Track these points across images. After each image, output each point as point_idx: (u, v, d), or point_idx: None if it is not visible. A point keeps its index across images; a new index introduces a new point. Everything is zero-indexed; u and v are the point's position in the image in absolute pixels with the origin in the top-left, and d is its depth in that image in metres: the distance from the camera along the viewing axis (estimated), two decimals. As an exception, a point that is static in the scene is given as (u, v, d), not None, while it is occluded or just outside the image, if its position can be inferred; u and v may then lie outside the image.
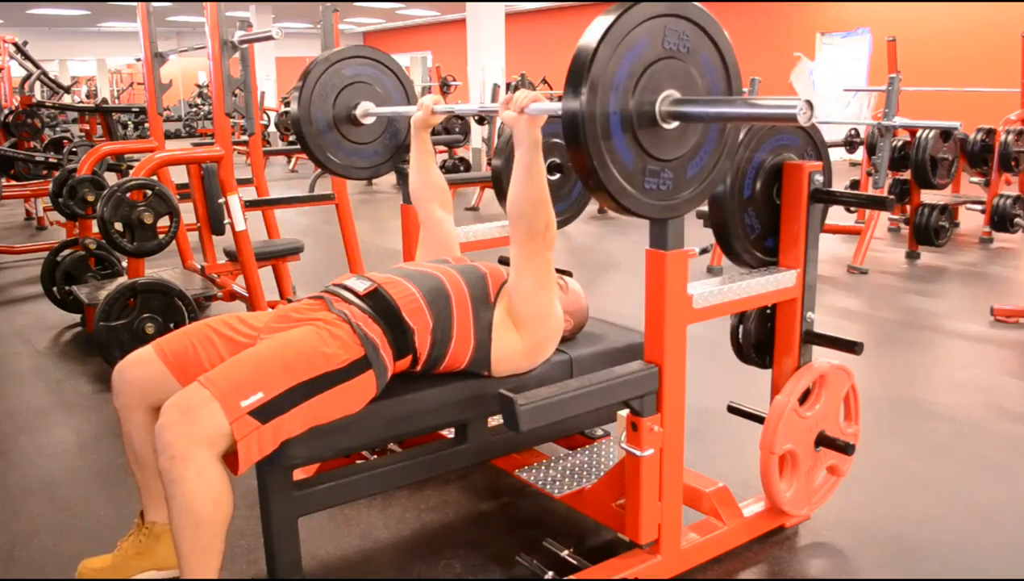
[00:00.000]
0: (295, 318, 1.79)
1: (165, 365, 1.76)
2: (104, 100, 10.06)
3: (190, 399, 1.55)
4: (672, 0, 1.48)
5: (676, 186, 1.57)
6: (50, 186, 4.65)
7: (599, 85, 1.41)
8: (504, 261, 2.53)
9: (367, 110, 2.48)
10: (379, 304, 1.79)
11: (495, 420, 2.02)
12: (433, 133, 2.38)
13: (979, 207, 6.10)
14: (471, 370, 1.90)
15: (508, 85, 11.08)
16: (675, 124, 1.52)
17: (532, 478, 2.09)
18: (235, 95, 3.59)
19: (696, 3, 1.52)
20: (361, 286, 1.84)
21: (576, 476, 2.10)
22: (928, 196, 5.64)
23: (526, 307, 1.88)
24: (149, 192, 3.47)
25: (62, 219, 5.19)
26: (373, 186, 10.14)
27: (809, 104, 1.31)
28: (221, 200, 3.61)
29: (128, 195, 3.43)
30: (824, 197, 1.98)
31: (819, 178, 1.97)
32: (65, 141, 6.67)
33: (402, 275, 1.89)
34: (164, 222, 3.54)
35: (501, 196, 2.61)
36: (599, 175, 1.44)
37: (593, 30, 1.42)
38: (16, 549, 2.15)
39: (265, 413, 1.57)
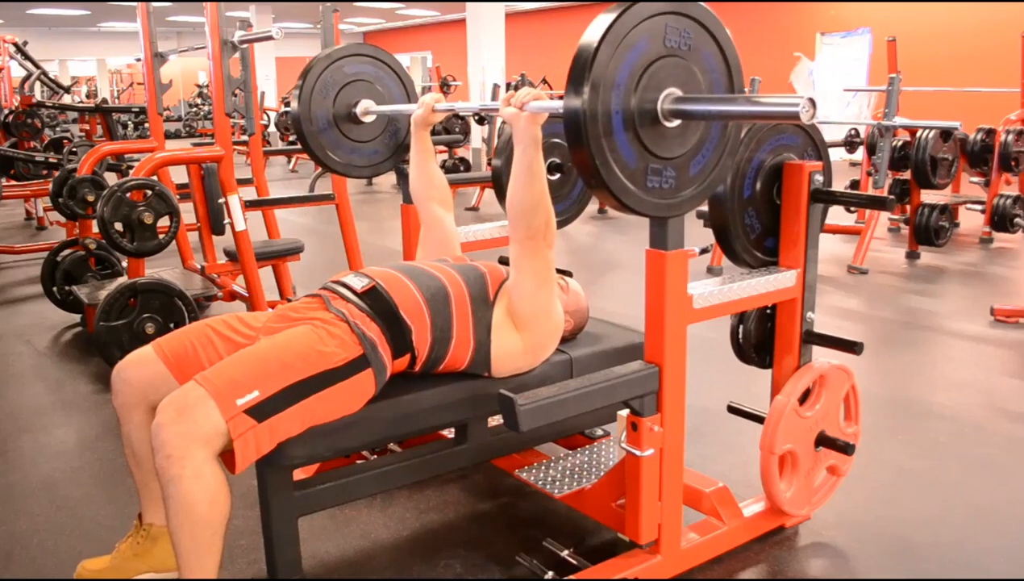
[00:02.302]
0: (293, 317, 1.79)
1: (164, 365, 1.76)
2: (104, 100, 10.05)
3: (186, 397, 1.55)
4: None
5: (679, 184, 1.57)
6: (50, 186, 4.65)
7: (600, 84, 1.41)
8: (504, 261, 2.53)
9: (367, 108, 2.47)
10: (377, 303, 1.79)
11: (495, 420, 2.02)
12: (433, 133, 2.38)
13: (979, 207, 6.10)
14: (471, 371, 1.90)
15: (508, 85, 11.08)
16: (677, 122, 1.52)
17: (532, 478, 2.09)
18: (235, 95, 3.59)
19: (697, 1, 1.52)
20: (359, 284, 1.83)
21: (576, 476, 2.10)
22: (928, 196, 5.64)
23: (526, 306, 1.88)
24: (149, 192, 3.47)
25: (62, 219, 5.19)
26: (373, 186, 10.15)
27: (812, 102, 1.30)
28: (221, 200, 3.61)
29: (128, 195, 3.43)
30: (824, 197, 1.98)
31: (819, 178, 1.97)
32: (65, 141, 6.66)
33: (401, 272, 1.88)
34: (164, 222, 3.54)
35: (501, 196, 2.61)
36: (601, 174, 1.44)
37: (594, 28, 1.42)
38: (16, 549, 2.15)
39: (261, 411, 1.57)
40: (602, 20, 1.42)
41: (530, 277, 1.86)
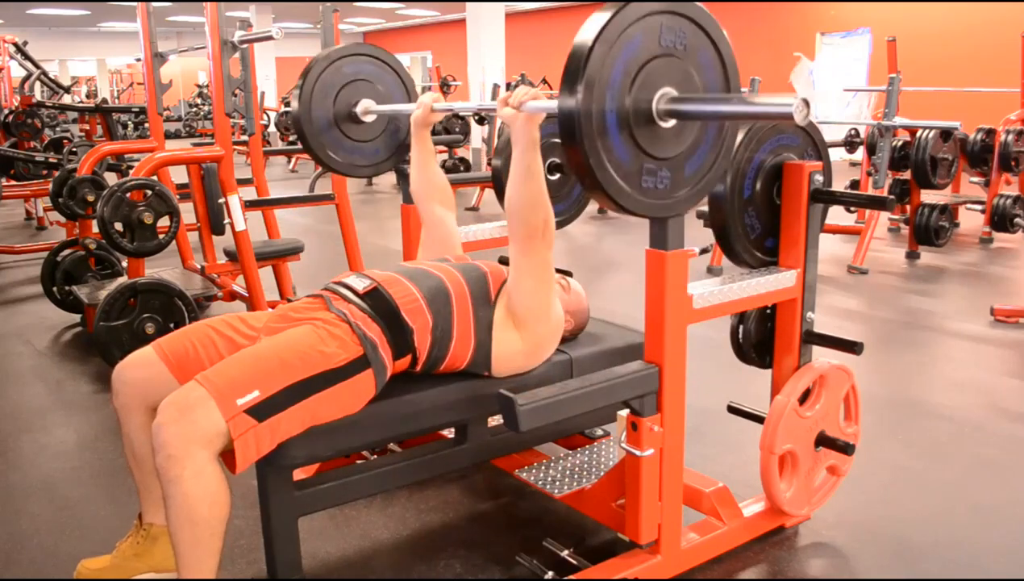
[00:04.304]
0: (294, 318, 1.79)
1: (165, 365, 1.76)
2: (104, 100, 10.05)
3: (187, 397, 1.55)
4: None
5: (674, 184, 1.57)
6: (50, 186, 4.65)
7: (595, 83, 1.40)
8: (504, 261, 2.53)
9: (367, 108, 2.48)
10: (378, 303, 1.79)
11: (495, 420, 2.02)
12: (433, 133, 2.39)
13: (979, 207, 6.10)
14: (471, 370, 1.90)
15: (508, 85, 11.09)
16: (672, 122, 1.51)
17: (532, 478, 2.09)
18: (235, 95, 3.59)
19: (694, 1, 1.52)
20: (360, 285, 1.84)
21: (576, 476, 2.10)
22: (928, 196, 5.63)
23: (526, 306, 1.88)
24: (149, 192, 3.47)
25: (62, 219, 5.19)
26: (373, 186, 10.15)
27: (806, 102, 1.30)
28: (221, 200, 3.61)
29: (128, 195, 3.43)
30: (824, 197, 1.98)
31: (819, 178, 1.97)
32: (65, 141, 6.66)
33: (402, 274, 1.89)
34: (164, 222, 3.54)
35: (501, 196, 2.61)
36: (596, 175, 1.44)
37: (589, 27, 1.42)
38: (16, 549, 2.15)
39: (262, 411, 1.57)
40: (596, 19, 1.42)
41: (529, 276, 1.86)
